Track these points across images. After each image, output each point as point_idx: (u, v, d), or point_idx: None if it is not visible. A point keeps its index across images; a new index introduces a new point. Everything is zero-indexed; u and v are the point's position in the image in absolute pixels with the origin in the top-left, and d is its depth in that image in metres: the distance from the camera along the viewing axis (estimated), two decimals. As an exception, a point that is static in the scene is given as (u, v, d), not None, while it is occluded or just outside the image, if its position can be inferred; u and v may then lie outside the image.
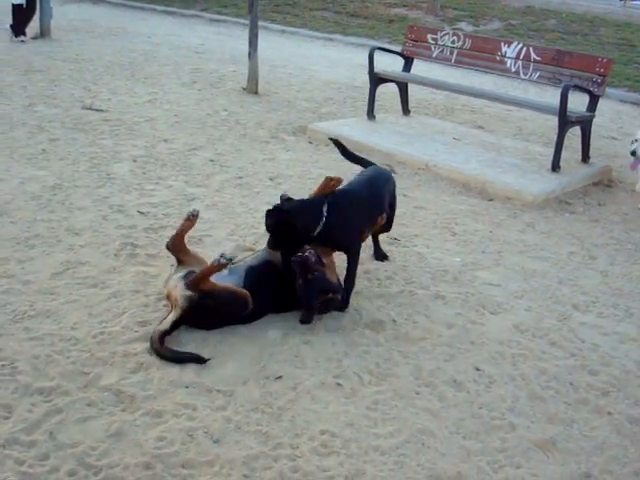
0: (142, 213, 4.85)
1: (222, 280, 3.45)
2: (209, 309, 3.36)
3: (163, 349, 3.21)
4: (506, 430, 2.96)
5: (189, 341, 3.34)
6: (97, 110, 7.53)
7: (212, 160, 6.21)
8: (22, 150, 5.97)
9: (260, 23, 9.78)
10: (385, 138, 7.12)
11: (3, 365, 3.02)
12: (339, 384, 3.13)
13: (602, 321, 4.01)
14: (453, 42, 7.62)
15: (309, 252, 3.50)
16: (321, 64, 12.23)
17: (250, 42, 9.19)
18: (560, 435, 2.97)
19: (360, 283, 3.99)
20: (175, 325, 3.31)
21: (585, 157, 6.95)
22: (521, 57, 7.05)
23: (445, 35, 7.77)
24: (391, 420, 2.93)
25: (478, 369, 3.37)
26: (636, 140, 5.76)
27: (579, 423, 3.07)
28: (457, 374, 3.31)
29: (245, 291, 3.45)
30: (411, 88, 8.33)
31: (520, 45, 7.18)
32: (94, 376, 3.01)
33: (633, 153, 5.76)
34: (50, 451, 2.56)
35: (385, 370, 3.28)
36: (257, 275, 3.58)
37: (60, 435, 2.64)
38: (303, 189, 5.51)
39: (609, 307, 4.19)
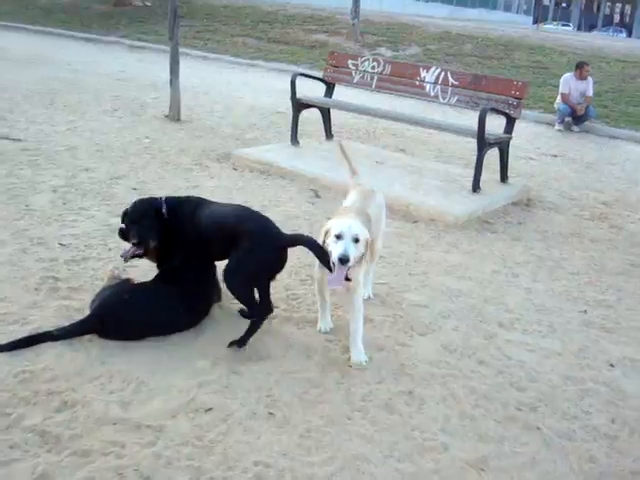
0: (63, 245, 4.71)
1: None
2: None
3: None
4: (439, 451, 2.97)
5: (114, 374, 3.25)
6: (14, 140, 7.31)
7: (135, 189, 6.10)
8: None
9: (181, 49, 9.74)
10: (309, 163, 7.16)
11: None
12: (271, 413, 3.09)
13: (527, 337, 4.10)
14: (373, 67, 7.75)
15: None
16: (244, 90, 12.26)
17: (171, 69, 9.14)
18: (492, 453, 3.00)
19: (286, 309, 4.00)
20: None
21: (504, 177, 7.15)
22: (439, 82, 7.22)
23: (365, 61, 7.90)
24: (325, 447, 2.91)
25: (410, 391, 3.39)
26: (327, 232, 3.46)
27: (509, 440, 3.11)
28: (389, 397, 3.32)
29: None
30: (333, 113, 8.42)
31: (438, 70, 7.35)
32: (17, 417, 2.88)
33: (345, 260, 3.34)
34: (-30, 499, 2.44)
35: (315, 397, 3.25)
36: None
37: (-19, 481, 2.52)
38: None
39: (533, 323, 4.29)
